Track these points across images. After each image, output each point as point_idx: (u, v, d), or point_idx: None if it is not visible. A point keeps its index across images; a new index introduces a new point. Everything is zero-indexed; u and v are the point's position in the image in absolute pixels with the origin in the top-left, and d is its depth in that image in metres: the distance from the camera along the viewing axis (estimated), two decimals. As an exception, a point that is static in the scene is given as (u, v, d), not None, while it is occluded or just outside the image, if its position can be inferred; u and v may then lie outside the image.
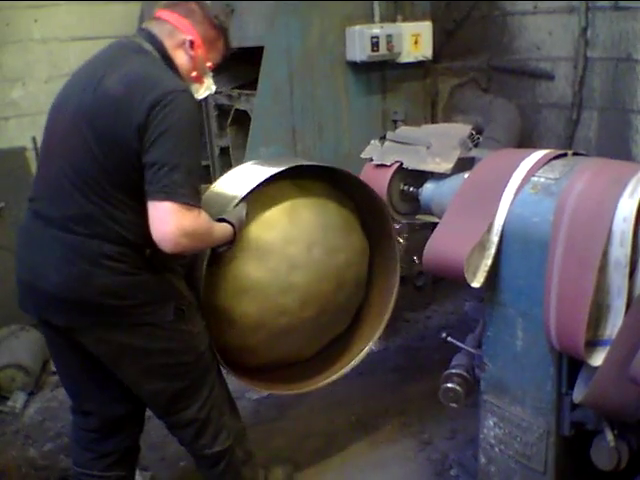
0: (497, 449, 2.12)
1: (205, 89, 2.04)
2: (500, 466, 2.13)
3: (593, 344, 1.71)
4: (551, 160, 1.95)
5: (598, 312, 1.70)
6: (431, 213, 2.30)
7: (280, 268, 2.16)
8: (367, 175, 2.45)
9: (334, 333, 2.54)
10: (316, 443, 2.83)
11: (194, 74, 1.96)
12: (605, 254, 1.66)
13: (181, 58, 1.92)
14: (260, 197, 2.14)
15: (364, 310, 2.64)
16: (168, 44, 1.90)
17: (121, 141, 1.74)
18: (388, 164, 2.35)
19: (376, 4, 3.22)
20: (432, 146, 2.26)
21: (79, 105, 1.80)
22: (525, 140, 3.63)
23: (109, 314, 1.82)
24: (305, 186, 2.28)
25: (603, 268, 1.67)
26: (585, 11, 3.34)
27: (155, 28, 1.92)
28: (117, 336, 1.86)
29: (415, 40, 3.30)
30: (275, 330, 2.23)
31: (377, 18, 3.23)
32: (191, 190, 1.74)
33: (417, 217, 2.48)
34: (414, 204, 2.41)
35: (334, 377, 2.49)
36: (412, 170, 2.30)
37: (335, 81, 3.23)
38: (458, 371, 2.17)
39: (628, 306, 1.67)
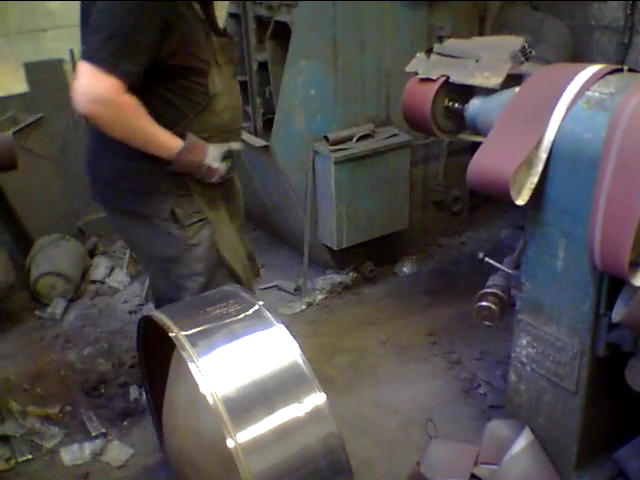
0: (528, 368, 2.13)
1: None
2: (530, 384, 2.15)
3: (637, 264, 1.69)
4: (606, 75, 1.86)
5: (645, 232, 1.67)
6: (476, 131, 2.23)
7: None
8: (411, 90, 2.38)
9: None
10: (347, 358, 2.89)
11: None
12: (658, 172, 1.61)
13: None
14: None
15: None
16: None
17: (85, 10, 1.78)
18: (434, 78, 2.27)
19: None
20: (481, 59, 2.17)
21: None
22: (575, 62, 3.48)
23: (113, 196, 2.02)
24: None
25: (655, 187, 1.62)
26: None
27: None
28: (116, 218, 2.08)
29: (466, -50, 3.14)
30: None
31: None
32: (109, 56, 1.70)
33: (460, 136, 2.42)
34: (458, 121, 2.34)
35: None
36: (459, 85, 2.23)
37: (380, -8, 3.10)
38: (494, 290, 2.16)
39: (678, 226, 1.63)
